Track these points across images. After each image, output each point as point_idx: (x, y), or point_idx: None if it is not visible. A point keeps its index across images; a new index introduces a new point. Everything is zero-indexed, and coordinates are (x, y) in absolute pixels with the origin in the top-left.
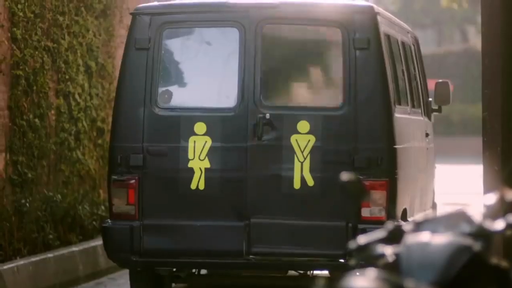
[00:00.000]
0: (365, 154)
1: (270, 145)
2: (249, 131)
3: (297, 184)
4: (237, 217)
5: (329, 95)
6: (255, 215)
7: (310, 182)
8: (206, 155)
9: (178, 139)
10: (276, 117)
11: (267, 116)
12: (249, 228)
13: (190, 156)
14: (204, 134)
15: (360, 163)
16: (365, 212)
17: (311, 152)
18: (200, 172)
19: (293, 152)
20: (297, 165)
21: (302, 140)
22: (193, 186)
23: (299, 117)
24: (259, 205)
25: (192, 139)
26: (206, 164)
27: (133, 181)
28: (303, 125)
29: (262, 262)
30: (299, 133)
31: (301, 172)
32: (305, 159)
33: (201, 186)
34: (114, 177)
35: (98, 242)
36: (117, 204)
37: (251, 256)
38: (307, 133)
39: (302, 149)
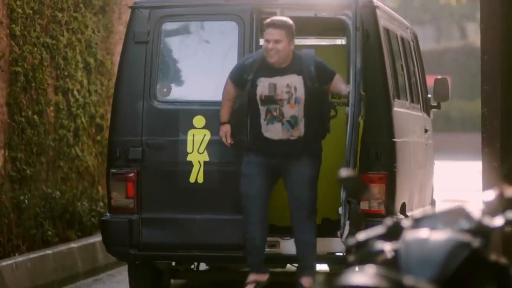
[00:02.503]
0: (365, 148)
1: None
2: None
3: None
4: (236, 210)
5: None
6: None
7: None
8: (205, 148)
9: (177, 133)
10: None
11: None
12: None
13: (189, 149)
14: (203, 128)
15: (360, 156)
16: (364, 206)
17: None
18: (199, 165)
19: None
20: None
21: None
22: (192, 179)
23: None
24: None
25: (191, 132)
26: (205, 157)
27: (132, 174)
28: None
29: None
30: None
31: None
32: None
33: (200, 180)
34: (113, 170)
35: (97, 238)
36: (116, 198)
37: None
38: None
39: None
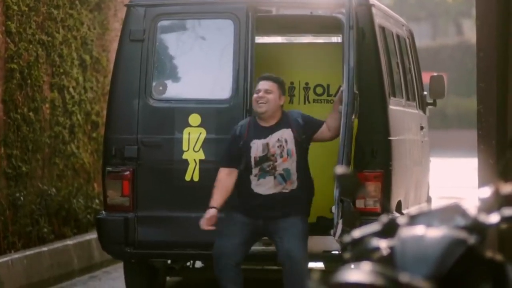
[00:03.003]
0: (360, 146)
1: None
2: None
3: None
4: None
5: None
6: None
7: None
8: (201, 146)
9: (172, 131)
10: None
11: None
12: None
13: (185, 147)
14: (198, 126)
15: (355, 154)
16: (360, 204)
17: None
18: (194, 163)
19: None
20: None
21: None
22: (187, 177)
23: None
24: None
25: (186, 130)
26: (201, 155)
27: (127, 172)
28: None
29: (259, 254)
30: None
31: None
32: None
33: (196, 178)
34: (109, 168)
35: (92, 235)
36: (112, 196)
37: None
38: None
39: None
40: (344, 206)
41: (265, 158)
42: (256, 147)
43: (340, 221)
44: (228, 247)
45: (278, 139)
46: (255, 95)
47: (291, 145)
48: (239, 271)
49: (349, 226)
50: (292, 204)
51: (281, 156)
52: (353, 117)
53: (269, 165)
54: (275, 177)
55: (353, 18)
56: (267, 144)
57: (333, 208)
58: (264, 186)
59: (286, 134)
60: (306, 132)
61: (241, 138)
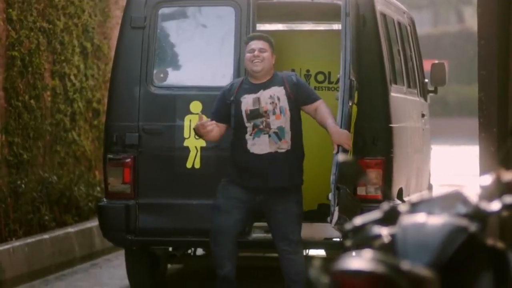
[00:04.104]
0: (361, 133)
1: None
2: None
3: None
4: None
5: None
6: None
7: None
8: None
9: (173, 118)
10: None
11: None
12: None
13: (186, 134)
14: (199, 113)
15: (356, 142)
16: (361, 191)
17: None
18: (195, 150)
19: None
20: None
21: None
22: (188, 164)
23: None
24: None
25: (187, 117)
26: (202, 143)
27: (128, 160)
28: None
29: (259, 241)
30: None
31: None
32: None
33: (197, 165)
34: (110, 156)
35: (93, 223)
36: (113, 183)
37: (250, 236)
38: None
39: None
40: (340, 193)
41: (257, 113)
42: (247, 101)
43: (337, 209)
44: (225, 225)
45: (270, 96)
46: (248, 55)
47: (284, 103)
48: (236, 247)
49: (345, 213)
50: (287, 172)
51: (274, 113)
52: (350, 104)
53: (262, 121)
54: (269, 136)
55: (349, 4)
56: (258, 99)
57: (330, 196)
58: (259, 146)
59: (278, 91)
60: (298, 94)
61: (231, 94)
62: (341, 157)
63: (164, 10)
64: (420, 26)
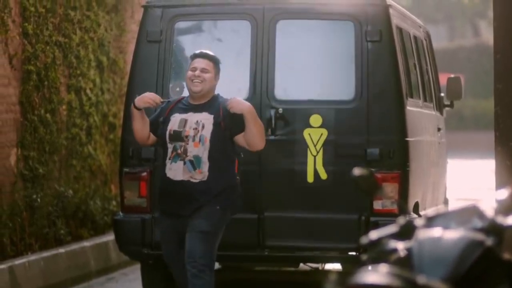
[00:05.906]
0: (378, 147)
1: (283, 139)
2: None
3: (310, 178)
4: (251, 210)
5: (341, 88)
6: (269, 208)
7: (323, 175)
8: None
9: None
10: (288, 111)
11: (280, 110)
12: (263, 221)
13: None
14: None
15: (372, 156)
16: (377, 205)
17: (323, 145)
18: None
19: (306, 146)
20: (310, 159)
21: (315, 134)
22: None
23: (312, 110)
24: (272, 199)
25: None
26: None
27: (144, 173)
28: (316, 119)
29: (276, 256)
30: (311, 126)
31: (314, 165)
32: (318, 152)
33: None
34: (126, 169)
35: (109, 237)
36: (129, 197)
37: (265, 250)
38: (320, 126)
39: (315, 143)
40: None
41: (179, 135)
42: (175, 120)
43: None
44: (170, 256)
45: (197, 121)
46: (190, 73)
47: (206, 132)
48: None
49: (366, 192)
50: (198, 199)
51: (193, 140)
52: None
53: (181, 146)
54: (184, 163)
55: (367, 23)
56: (185, 121)
57: None
58: (174, 171)
59: (206, 118)
60: (232, 122)
61: (164, 112)
62: (357, 171)
63: (180, 24)
64: (436, 40)
